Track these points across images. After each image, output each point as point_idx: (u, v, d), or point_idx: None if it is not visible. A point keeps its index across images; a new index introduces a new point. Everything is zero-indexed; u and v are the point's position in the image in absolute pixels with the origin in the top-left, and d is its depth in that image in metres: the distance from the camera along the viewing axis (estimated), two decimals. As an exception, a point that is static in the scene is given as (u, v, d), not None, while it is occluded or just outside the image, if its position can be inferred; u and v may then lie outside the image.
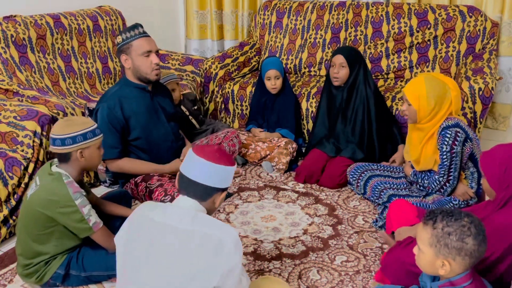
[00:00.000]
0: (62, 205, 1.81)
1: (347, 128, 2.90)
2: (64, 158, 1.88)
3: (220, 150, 1.56)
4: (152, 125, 2.56)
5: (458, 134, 2.19)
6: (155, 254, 1.42)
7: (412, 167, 2.44)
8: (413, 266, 1.70)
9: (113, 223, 2.08)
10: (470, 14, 3.39)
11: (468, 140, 2.22)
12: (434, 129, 2.27)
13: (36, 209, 1.82)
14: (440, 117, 2.26)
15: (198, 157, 1.50)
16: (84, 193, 1.87)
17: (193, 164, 1.51)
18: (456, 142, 2.18)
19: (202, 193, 1.51)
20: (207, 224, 1.44)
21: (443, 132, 2.22)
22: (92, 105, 2.82)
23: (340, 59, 2.82)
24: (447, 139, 2.20)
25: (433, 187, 2.31)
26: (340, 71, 2.83)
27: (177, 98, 3.14)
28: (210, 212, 1.56)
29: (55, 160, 1.95)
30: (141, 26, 2.47)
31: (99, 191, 2.75)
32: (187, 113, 3.28)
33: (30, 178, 2.42)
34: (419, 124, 2.32)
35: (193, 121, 3.30)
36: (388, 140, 2.93)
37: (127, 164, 2.51)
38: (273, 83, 3.18)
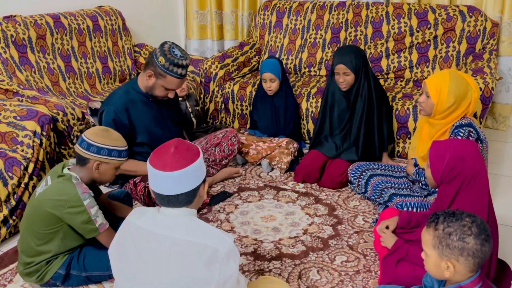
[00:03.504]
0: (71, 205, 1.81)
1: (351, 129, 2.89)
2: (81, 161, 1.90)
3: (177, 150, 1.43)
4: (158, 132, 2.56)
5: (471, 134, 2.15)
6: (148, 264, 1.40)
7: (415, 165, 2.42)
8: (411, 280, 1.72)
9: (118, 224, 2.08)
10: (470, 14, 3.39)
11: (479, 142, 2.18)
12: (447, 127, 2.24)
13: (44, 208, 1.83)
14: (456, 116, 2.22)
15: (163, 172, 1.39)
16: (92, 194, 1.87)
17: (161, 180, 1.41)
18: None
19: (186, 199, 1.43)
20: (202, 233, 1.39)
21: (456, 130, 2.18)
22: (95, 105, 2.82)
23: (342, 68, 2.76)
24: (459, 137, 2.15)
25: None
26: (346, 79, 2.79)
27: (185, 88, 3.24)
28: (199, 204, 1.51)
29: (67, 162, 1.96)
30: (187, 68, 2.43)
31: (99, 191, 2.75)
32: (190, 109, 3.30)
33: (30, 178, 2.42)
34: (432, 119, 2.27)
35: (193, 119, 3.32)
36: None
37: (131, 166, 2.51)
38: (268, 86, 3.21)
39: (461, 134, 2.16)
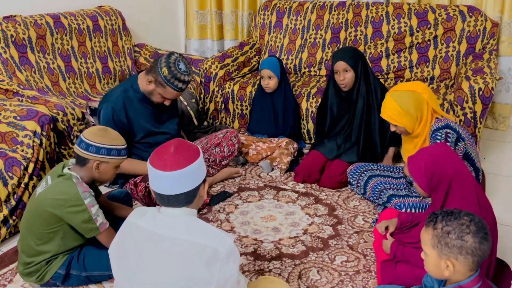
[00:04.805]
0: (71, 204, 1.81)
1: (352, 130, 2.89)
2: (81, 161, 1.90)
3: (177, 150, 1.43)
4: (155, 130, 2.59)
5: (449, 135, 2.19)
6: (148, 264, 1.40)
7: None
8: (410, 280, 1.72)
9: (118, 224, 2.08)
10: (470, 14, 3.39)
11: (461, 140, 2.22)
12: (426, 132, 2.29)
13: (45, 208, 1.83)
14: (426, 118, 2.28)
15: (163, 172, 1.40)
16: (93, 193, 1.87)
17: (161, 180, 1.41)
18: (447, 143, 2.19)
19: (186, 199, 1.43)
20: (202, 234, 1.39)
21: (433, 135, 2.23)
22: (94, 104, 2.82)
23: (342, 65, 2.79)
24: (438, 141, 2.20)
25: None
26: (346, 76, 2.81)
27: None
28: (199, 204, 1.52)
29: (67, 162, 1.96)
30: (188, 84, 2.45)
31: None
32: (185, 103, 3.29)
33: (30, 178, 2.42)
34: (414, 134, 2.33)
35: (191, 112, 3.31)
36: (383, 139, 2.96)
37: (128, 166, 2.51)
38: (266, 83, 3.24)
39: (439, 138, 2.21)
